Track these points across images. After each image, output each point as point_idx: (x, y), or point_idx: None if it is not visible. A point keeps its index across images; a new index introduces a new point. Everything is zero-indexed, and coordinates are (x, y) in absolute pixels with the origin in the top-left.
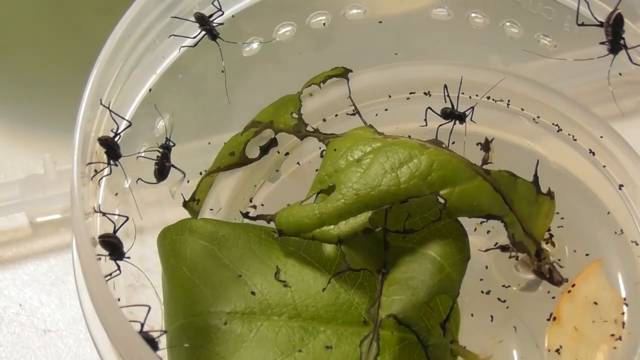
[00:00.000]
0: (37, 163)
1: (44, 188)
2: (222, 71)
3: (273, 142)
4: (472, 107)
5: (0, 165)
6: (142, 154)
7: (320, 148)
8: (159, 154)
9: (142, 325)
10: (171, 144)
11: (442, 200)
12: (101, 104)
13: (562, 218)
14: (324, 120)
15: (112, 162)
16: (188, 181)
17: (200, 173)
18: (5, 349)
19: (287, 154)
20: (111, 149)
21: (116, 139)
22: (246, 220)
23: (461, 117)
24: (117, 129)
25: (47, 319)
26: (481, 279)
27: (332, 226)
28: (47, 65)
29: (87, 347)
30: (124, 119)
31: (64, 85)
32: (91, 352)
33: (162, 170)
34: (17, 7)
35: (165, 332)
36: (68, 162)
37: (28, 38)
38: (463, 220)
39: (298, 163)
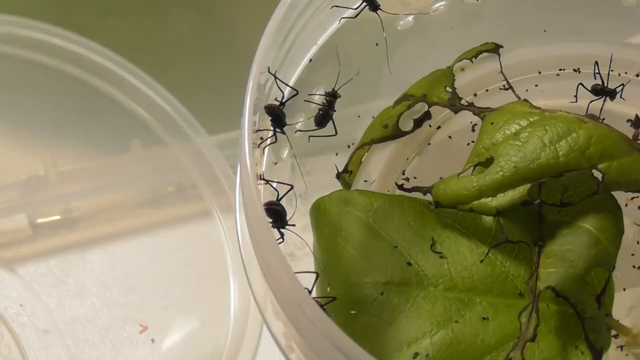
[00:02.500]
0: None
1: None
2: (377, 44)
3: (427, 115)
4: (623, 85)
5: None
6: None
7: (471, 122)
8: (324, 101)
9: (310, 292)
10: (338, 94)
11: (598, 174)
12: (269, 71)
13: None
14: (475, 94)
15: (277, 130)
16: (337, 154)
17: (349, 146)
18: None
19: (438, 127)
20: (277, 117)
21: (282, 108)
22: (399, 192)
23: (612, 94)
24: (283, 97)
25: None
26: (632, 254)
27: (490, 198)
28: None
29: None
30: (292, 88)
31: None
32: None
33: (326, 116)
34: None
35: (334, 298)
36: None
37: None
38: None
39: (450, 137)
